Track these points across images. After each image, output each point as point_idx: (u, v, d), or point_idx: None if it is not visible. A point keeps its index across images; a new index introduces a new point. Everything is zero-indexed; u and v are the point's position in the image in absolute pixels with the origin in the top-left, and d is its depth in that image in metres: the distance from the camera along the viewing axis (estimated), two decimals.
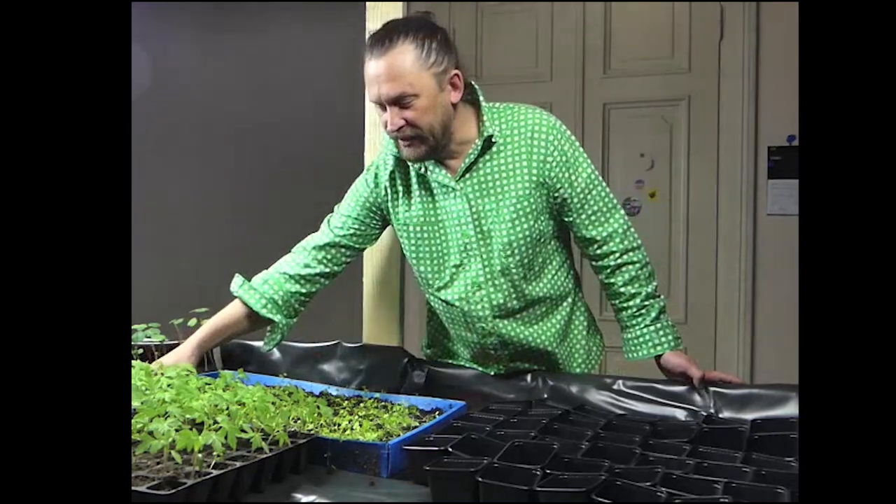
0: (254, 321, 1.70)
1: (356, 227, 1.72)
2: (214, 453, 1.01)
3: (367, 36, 1.62)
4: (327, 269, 1.71)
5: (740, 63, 3.06)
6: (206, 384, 1.29)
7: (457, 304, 1.66)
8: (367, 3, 2.06)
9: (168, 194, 4.01)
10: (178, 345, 1.77)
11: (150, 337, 1.77)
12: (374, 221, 1.73)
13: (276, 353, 1.87)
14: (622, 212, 1.68)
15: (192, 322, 1.68)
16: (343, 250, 1.72)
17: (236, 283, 1.70)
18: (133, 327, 1.73)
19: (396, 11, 2.01)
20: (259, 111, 3.89)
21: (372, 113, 2.06)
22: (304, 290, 1.70)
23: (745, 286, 3.07)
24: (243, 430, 1.06)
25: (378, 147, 2.01)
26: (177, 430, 1.01)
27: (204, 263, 4.00)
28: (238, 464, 1.01)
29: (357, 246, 1.73)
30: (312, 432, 1.21)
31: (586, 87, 3.35)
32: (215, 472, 0.97)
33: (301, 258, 1.71)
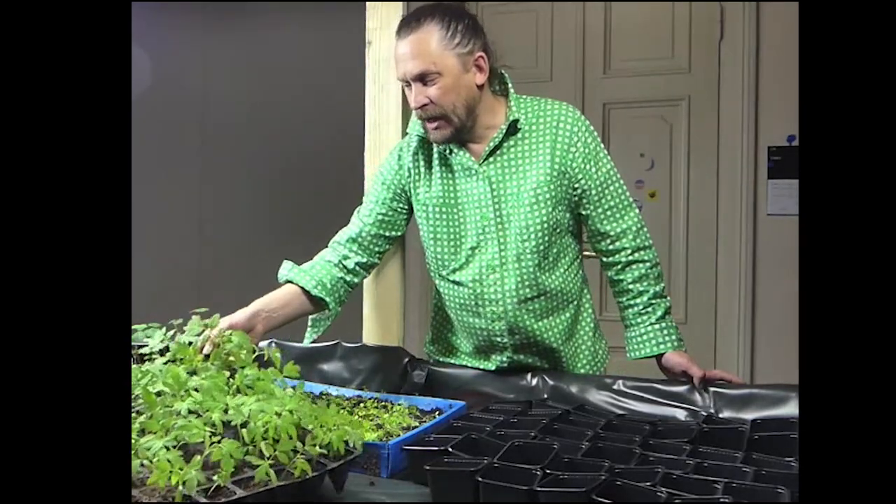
0: (304, 303, 1.67)
1: (383, 212, 1.73)
2: (215, 477, 0.92)
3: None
4: (364, 259, 1.73)
5: (740, 63, 3.07)
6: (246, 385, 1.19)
7: (470, 285, 1.67)
8: (367, 3, 2.06)
9: (168, 194, 4.01)
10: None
11: (150, 337, 1.77)
12: (400, 205, 1.74)
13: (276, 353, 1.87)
14: (637, 211, 1.71)
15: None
16: (374, 239, 1.73)
17: (286, 267, 1.69)
18: (133, 327, 1.72)
19: (397, 11, 2.00)
20: (259, 111, 3.89)
21: (372, 113, 2.06)
22: (347, 279, 1.71)
23: (745, 286, 3.07)
24: (263, 453, 0.97)
25: (379, 148, 2.01)
26: (175, 446, 0.95)
27: (204, 263, 4.00)
28: (238, 491, 0.91)
29: (387, 234, 1.74)
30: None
31: (586, 87, 3.35)
32: (204, 502, 0.88)
33: (339, 250, 1.73)
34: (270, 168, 3.90)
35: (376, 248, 1.74)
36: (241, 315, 1.55)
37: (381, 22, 2.02)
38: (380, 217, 1.73)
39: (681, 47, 3.21)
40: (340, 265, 1.71)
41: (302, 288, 1.65)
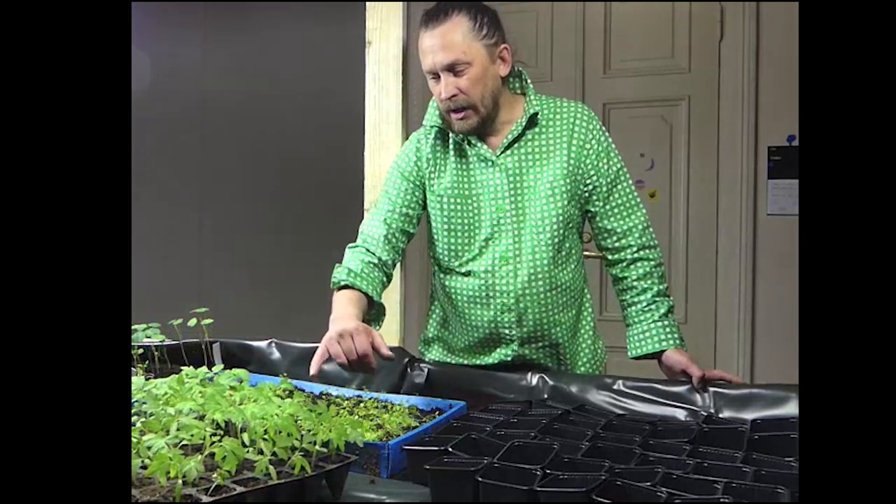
0: (368, 308, 1.61)
1: (406, 204, 1.72)
2: (214, 476, 0.92)
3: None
4: (394, 257, 1.70)
5: (740, 63, 3.06)
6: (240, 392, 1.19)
7: (482, 276, 1.68)
8: (367, 3, 2.07)
9: (168, 194, 4.01)
10: (177, 345, 1.77)
11: (150, 337, 1.77)
12: (419, 197, 1.73)
13: (276, 353, 1.87)
14: (644, 210, 1.74)
15: (192, 322, 1.67)
16: (400, 235, 1.72)
17: (342, 272, 1.59)
18: (133, 327, 1.73)
19: (396, 11, 2.01)
20: (259, 111, 3.89)
21: (372, 113, 2.06)
22: (384, 280, 1.68)
23: (745, 286, 3.07)
24: (267, 450, 0.97)
25: (379, 148, 2.01)
26: (176, 445, 0.96)
27: (204, 264, 4.01)
28: (238, 489, 0.91)
29: (409, 229, 1.73)
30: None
31: (586, 87, 3.35)
32: (206, 500, 0.88)
33: (374, 252, 1.67)
34: (270, 168, 3.90)
35: (401, 245, 1.73)
36: (357, 321, 1.45)
37: (381, 22, 2.03)
38: (403, 210, 1.72)
39: (681, 47, 3.21)
40: (380, 267, 1.67)
41: (363, 292, 1.59)
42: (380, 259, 1.68)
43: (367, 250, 1.68)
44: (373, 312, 1.63)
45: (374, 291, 1.61)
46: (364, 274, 1.61)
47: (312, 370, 1.35)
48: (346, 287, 1.59)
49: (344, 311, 1.49)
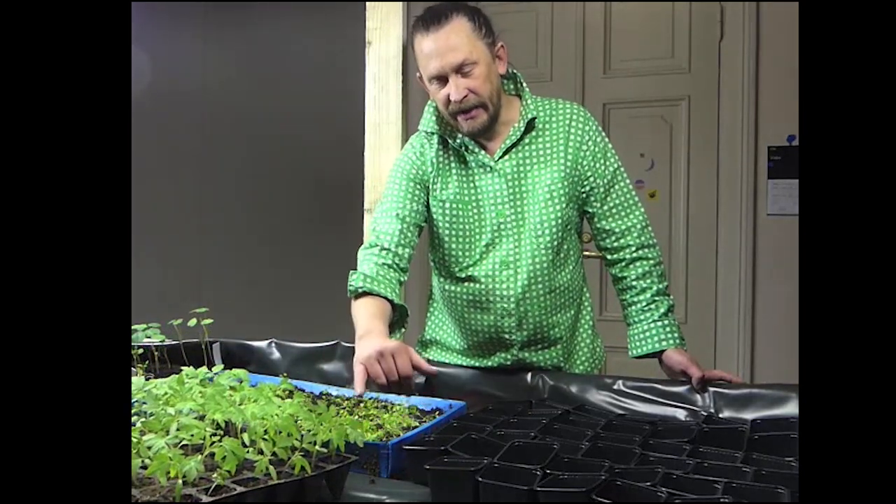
0: (390, 313, 1.58)
1: (415, 203, 1.70)
2: (214, 476, 0.92)
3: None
4: (410, 252, 1.68)
5: (740, 63, 3.07)
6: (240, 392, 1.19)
7: (482, 281, 1.68)
8: (367, 3, 2.07)
9: (168, 194, 4.01)
10: (177, 345, 1.77)
11: (150, 337, 1.77)
12: (424, 198, 1.72)
13: (276, 353, 1.87)
14: (642, 210, 1.74)
15: (192, 322, 1.67)
16: (414, 230, 1.69)
17: (358, 279, 1.56)
18: (133, 327, 1.73)
19: (396, 11, 2.01)
20: (259, 111, 3.89)
21: (372, 113, 2.06)
22: (402, 279, 1.66)
23: (745, 286, 3.07)
24: (264, 450, 0.97)
25: (379, 148, 2.01)
26: (176, 445, 0.95)
27: (204, 263, 4.01)
28: (238, 489, 0.91)
29: (421, 224, 1.71)
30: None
31: (586, 87, 3.35)
32: (206, 500, 0.87)
33: (392, 251, 1.64)
34: (270, 168, 3.91)
35: (415, 241, 1.71)
36: (389, 339, 1.40)
37: (381, 22, 2.03)
38: (414, 207, 1.69)
39: (681, 47, 3.21)
40: (396, 266, 1.64)
41: (385, 298, 1.55)
42: (396, 255, 1.64)
43: (382, 248, 1.64)
44: (395, 316, 1.59)
45: (393, 294, 1.56)
46: (380, 277, 1.57)
47: (358, 390, 1.30)
48: (364, 294, 1.54)
49: (371, 326, 1.44)
